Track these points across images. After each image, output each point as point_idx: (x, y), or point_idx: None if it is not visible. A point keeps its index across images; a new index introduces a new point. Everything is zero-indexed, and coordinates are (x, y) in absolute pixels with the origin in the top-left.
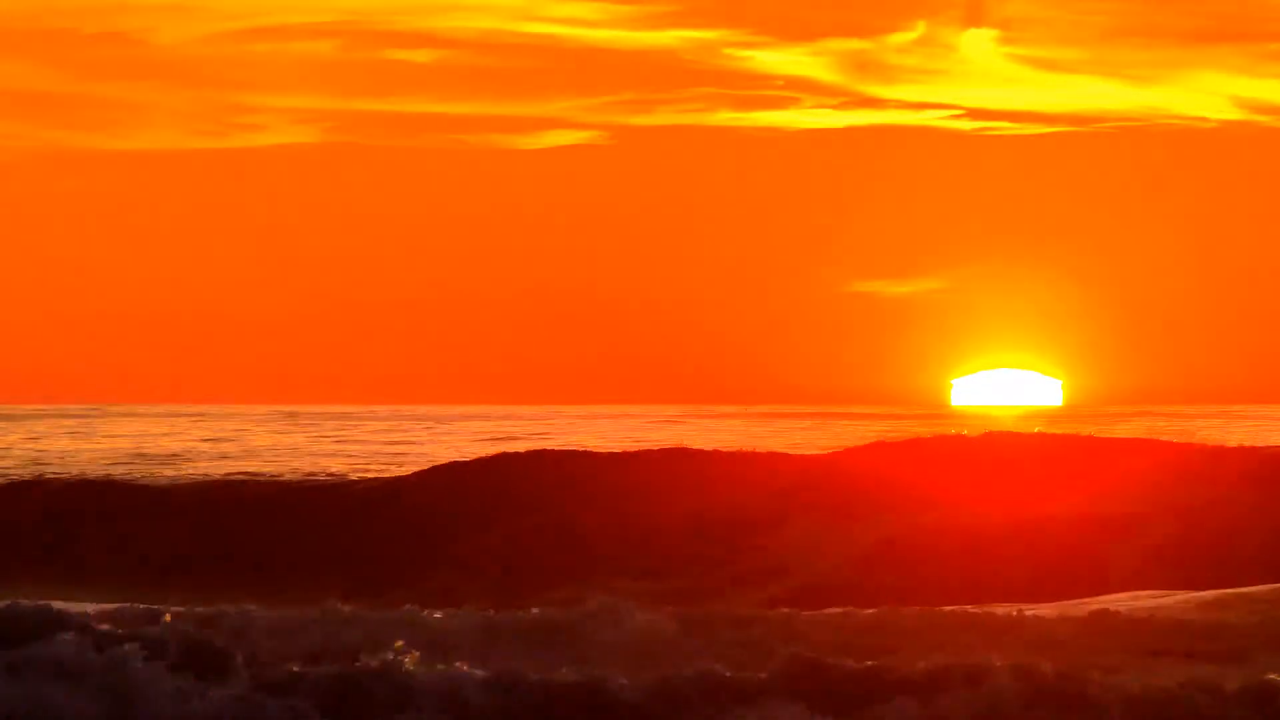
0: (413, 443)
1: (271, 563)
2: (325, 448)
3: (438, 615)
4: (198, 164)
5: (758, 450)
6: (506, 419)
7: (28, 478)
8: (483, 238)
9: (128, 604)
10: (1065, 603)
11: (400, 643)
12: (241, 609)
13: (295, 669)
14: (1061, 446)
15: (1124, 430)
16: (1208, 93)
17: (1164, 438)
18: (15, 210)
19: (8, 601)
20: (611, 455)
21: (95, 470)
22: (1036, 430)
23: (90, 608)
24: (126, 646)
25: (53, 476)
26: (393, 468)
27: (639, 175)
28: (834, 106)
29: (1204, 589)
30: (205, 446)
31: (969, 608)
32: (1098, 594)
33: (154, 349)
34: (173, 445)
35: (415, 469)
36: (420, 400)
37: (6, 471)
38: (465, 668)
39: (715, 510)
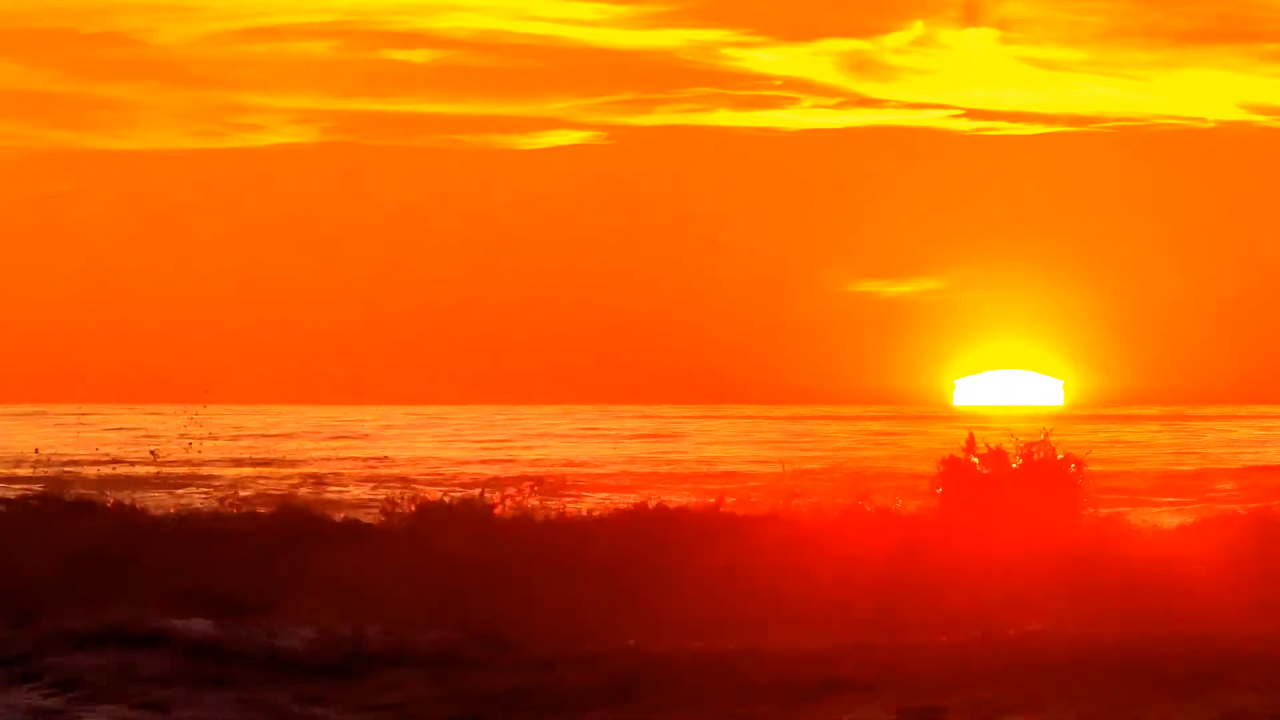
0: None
1: None
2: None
3: None
4: (196, 164)
5: None
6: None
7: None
8: (481, 237)
9: None
10: None
11: None
12: None
13: None
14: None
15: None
16: (1208, 93)
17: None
18: (12, 210)
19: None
20: None
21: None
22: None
23: None
24: None
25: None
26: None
27: (638, 175)
28: (832, 106)
29: None
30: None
31: None
32: None
33: (151, 348)
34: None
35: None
36: (419, 400)
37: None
38: None
39: None
